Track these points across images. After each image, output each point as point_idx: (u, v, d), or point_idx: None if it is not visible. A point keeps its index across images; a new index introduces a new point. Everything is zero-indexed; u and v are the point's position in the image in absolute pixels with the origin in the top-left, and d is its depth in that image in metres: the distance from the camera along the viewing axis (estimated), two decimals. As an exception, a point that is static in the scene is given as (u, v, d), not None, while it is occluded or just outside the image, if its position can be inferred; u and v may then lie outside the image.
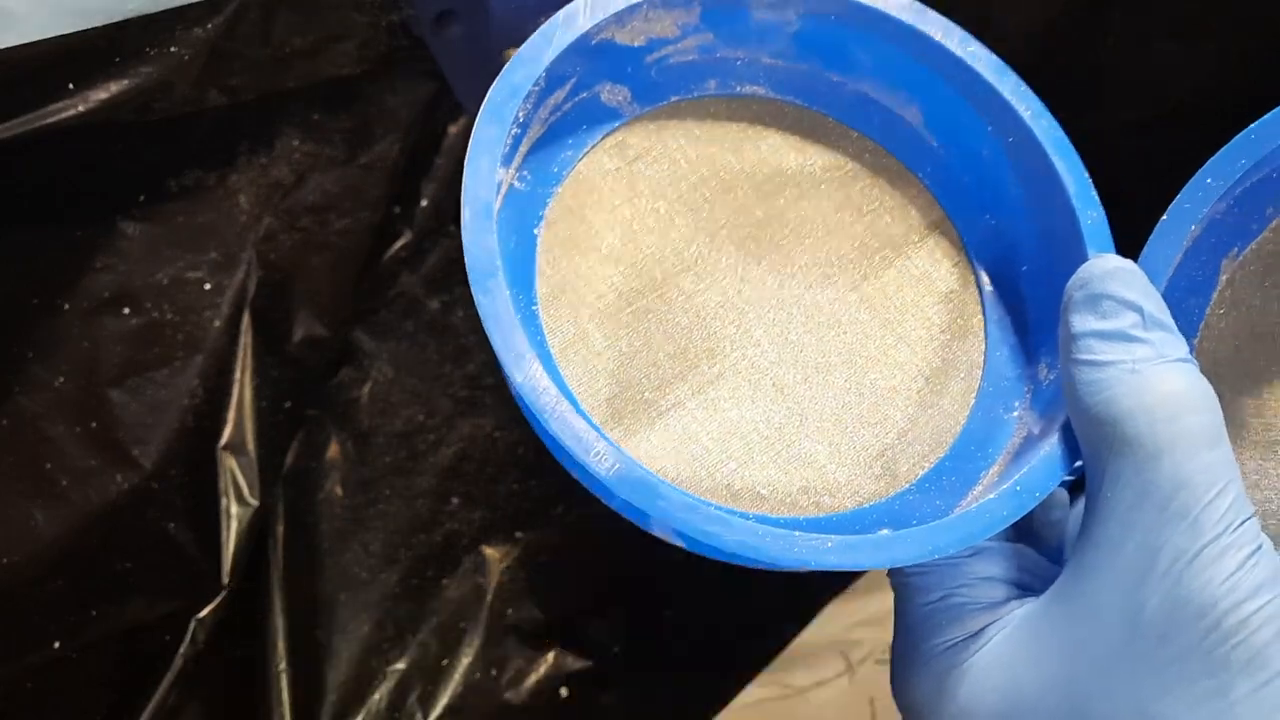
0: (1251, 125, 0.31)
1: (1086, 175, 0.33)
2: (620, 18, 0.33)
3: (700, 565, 0.63)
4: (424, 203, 0.56)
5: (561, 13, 0.32)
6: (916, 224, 0.36)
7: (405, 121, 0.52)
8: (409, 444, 0.60)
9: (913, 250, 0.35)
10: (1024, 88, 0.34)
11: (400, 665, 0.58)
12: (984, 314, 0.35)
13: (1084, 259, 0.31)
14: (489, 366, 0.62)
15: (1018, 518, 0.29)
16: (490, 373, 0.62)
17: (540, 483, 0.62)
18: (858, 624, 0.62)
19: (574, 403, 0.32)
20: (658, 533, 0.29)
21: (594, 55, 0.34)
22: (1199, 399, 0.27)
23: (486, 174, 0.30)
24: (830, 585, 0.63)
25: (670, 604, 0.62)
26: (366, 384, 0.59)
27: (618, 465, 0.28)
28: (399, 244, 0.57)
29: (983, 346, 0.34)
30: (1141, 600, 0.25)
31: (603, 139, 0.36)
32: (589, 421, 0.32)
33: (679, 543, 0.29)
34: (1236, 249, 0.32)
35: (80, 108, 0.43)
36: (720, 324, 0.34)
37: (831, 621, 0.62)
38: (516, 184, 0.34)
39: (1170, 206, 0.31)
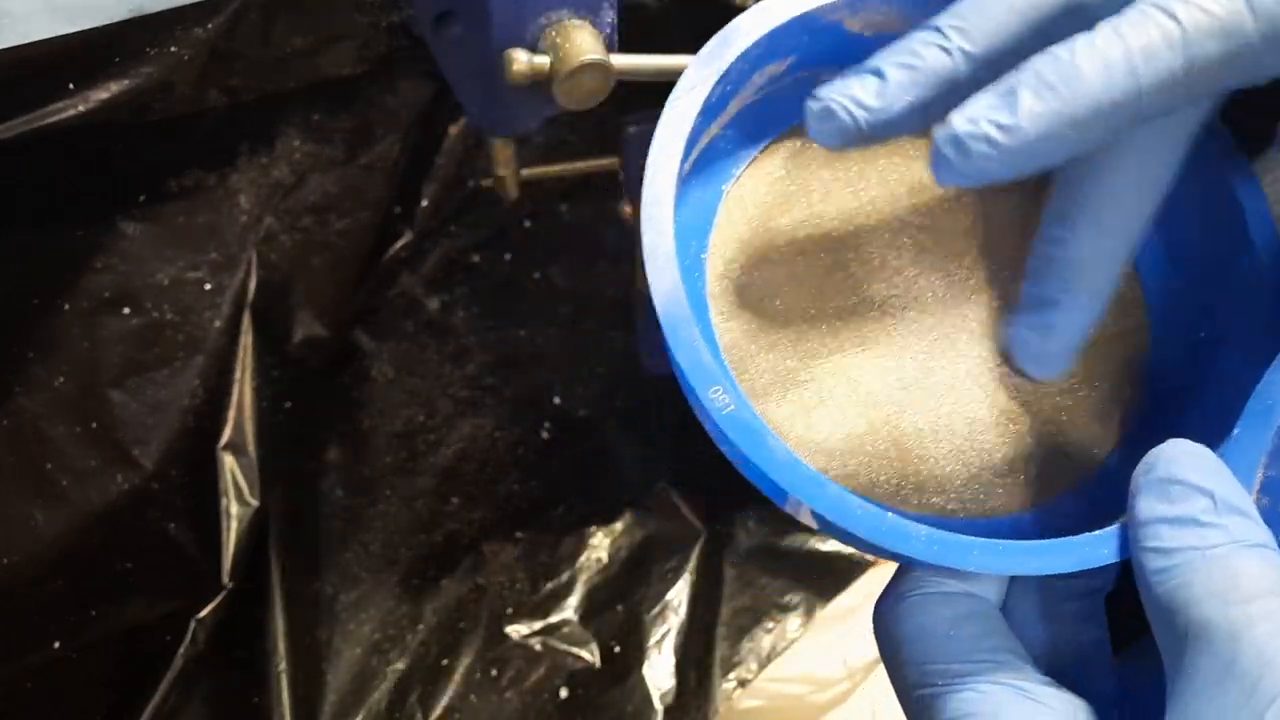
0: None
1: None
2: (853, 2, 0.33)
3: (697, 565, 0.64)
4: (424, 203, 0.56)
5: None
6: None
7: (405, 122, 0.52)
8: (409, 444, 0.60)
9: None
10: (1241, 157, 0.34)
11: (400, 665, 0.58)
12: (1148, 368, 0.35)
13: (1262, 336, 0.31)
14: (489, 366, 0.62)
15: (1035, 572, 0.28)
16: (490, 373, 0.62)
17: (540, 483, 0.62)
18: (858, 630, 0.62)
19: (714, 345, 0.32)
20: (754, 478, 0.29)
21: (820, 35, 0.34)
22: (1278, 582, 0.25)
23: (685, 114, 0.30)
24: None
25: (670, 602, 0.62)
26: (366, 384, 0.59)
27: (731, 407, 0.28)
28: (399, 244, 0.57)
29: (1137, 405, 0.34)
30: None
31: None
32: (722, 365, 0.32)
33: (780, 500, 0.30)
34: None
35: (80, 108, 0.43)
36: (882, 314, 0.34)
37: (832, 625, 0.62)
38: (719, 140, 0.35)
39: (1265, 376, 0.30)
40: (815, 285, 0.34)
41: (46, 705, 0.50)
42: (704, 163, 0.34)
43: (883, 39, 0.35)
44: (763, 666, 0.62)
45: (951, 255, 0.35)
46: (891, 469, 0.32)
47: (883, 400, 0.33)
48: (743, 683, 0.61)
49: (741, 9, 0.54)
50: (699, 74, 0.31)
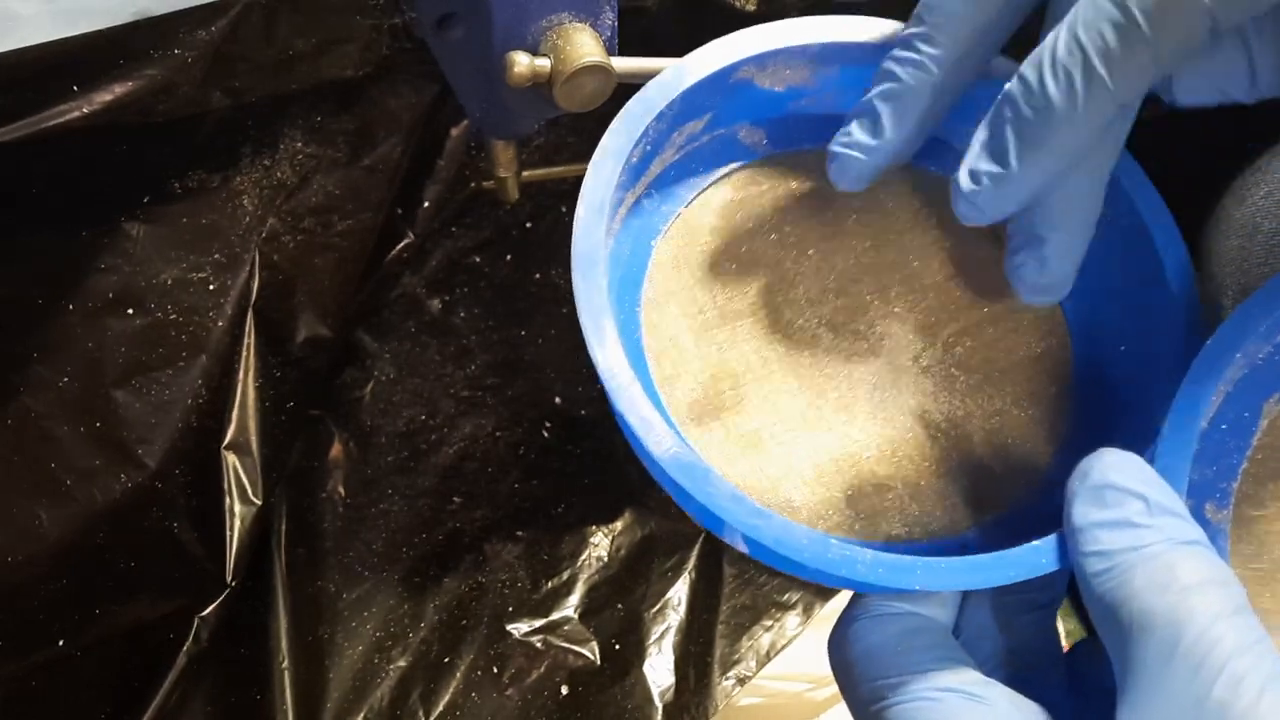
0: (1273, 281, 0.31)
1: (1189, 265, 0.33)
2: (760, 60, 0.35)
3: (696, 564, 0.64)
4: (426, 204, 0.56)
5: (709, 45, 0.34)
6: None
7: (407, 124, 0.52)
8: (411, 443, 0.60)
9: (1014, 315, 0.37)
10: (1143, 176, 0.35)
11: (402, 663, 0.58)
12: (1074, 384, 0.35)
13: (1181, 346, 0.32)
14: (490, 366, 0.62)
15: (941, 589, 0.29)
16: (491, 373, 0.62)
17: (541, 482, 0.63)
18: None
19: (655, 397, 0.33)
20: (700, 518, 0.30)
21: (733, 93, 0.35)
22: (1217, 574, 0.26)
23: (608, 176, 0.32)
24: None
25: (670, 601, 0.62)
26: (369, 384, 0.59)
27: (674, 450, 0.28)
28: (401, 245, 0.57)
29: (1067, 420, 0.35)
30: None
31: (734, 171, 0.37)
32: (663, 413, 0.32)
33: (724, 535, 0.30)
34: (1278, 394, 0.32)
35: (84, 109, 0.43)
36: (811, 355, 0.35)
37: (830, 623, 0.62)
38: (644, 199, 0.36)
39: (1206, 346, 0.31)
40: (747, 329, 0.35)
41: (50, 704, 0.50)
42: (632, 220, 0.36)
43: (795, 93, 0.36)
44: (762, 664, 0.62)
45: (878, 290, 0.36)
46: (833, 500, 0.33)
47: (820, 435, 0.34)
48: (742, 680, 0.62)
49: (741, 11, 0.54)
50: (619, 137, 0.32)
